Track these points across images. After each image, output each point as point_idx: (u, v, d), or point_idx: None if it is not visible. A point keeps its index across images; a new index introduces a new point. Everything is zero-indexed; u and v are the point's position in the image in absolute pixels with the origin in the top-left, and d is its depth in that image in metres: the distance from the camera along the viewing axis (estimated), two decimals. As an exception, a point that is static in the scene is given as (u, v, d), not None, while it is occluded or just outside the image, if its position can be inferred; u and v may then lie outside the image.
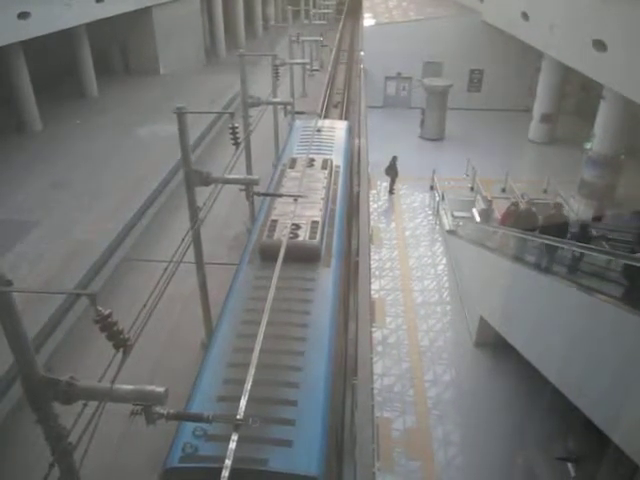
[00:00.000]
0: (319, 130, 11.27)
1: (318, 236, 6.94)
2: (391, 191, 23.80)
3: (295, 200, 7.02)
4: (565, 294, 10.45)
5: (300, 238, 6.87)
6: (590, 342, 9.65)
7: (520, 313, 13.02)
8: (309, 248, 6.81)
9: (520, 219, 15.01)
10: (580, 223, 13.24)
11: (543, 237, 12.18)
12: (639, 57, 15.14)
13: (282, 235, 6.46)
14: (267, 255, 6.59)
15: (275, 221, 7.21)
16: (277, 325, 5.23)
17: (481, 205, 20.75)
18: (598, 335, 9.46)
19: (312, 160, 9.22)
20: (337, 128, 12.13)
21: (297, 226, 7.02)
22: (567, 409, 9.98)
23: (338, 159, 10.03)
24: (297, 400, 4.79)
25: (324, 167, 9.08)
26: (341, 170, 9.69)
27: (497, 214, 19.08)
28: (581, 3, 18.87)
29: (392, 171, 23.50)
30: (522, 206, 17.47)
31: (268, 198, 8.22)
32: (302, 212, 7.35)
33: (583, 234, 12.61)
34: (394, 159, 23.51)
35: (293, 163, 9.25)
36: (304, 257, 6.70)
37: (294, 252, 6.17)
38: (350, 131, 12.91)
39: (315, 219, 7.30)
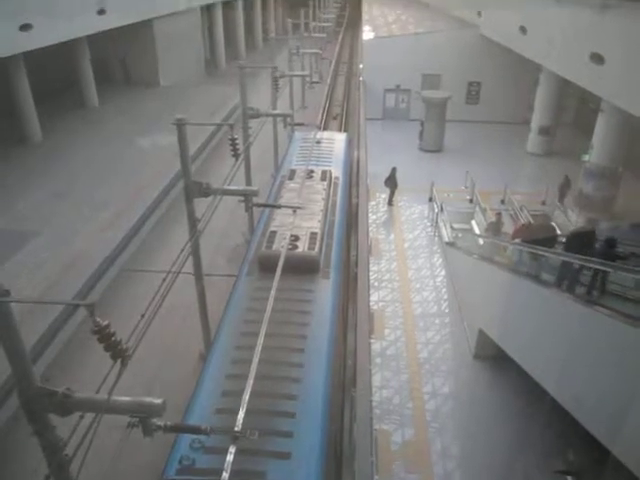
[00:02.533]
0: (318, 142, 11.29)
1: (317, 247, 6.94)
2: (390, 202, 23.83)
3: (294, 211, 7.02)
4: (563, 306, 10.44)
5: (299, 249, 6.86)
6: (589, 354, 9.63)
7: (519, 325, 12.99)
8: (308, 259, 6.80)
9: (534, 232, 14.41)
10: (605, 238, 11.39)
11: (567, 254, 11.41)
12: (636, 70, 15.24)
13: (281, 246, 6.46)
14: (266, 266, 6.59)
15: (274, 232, 7.21)
16: (276, 337, 5.22)
17: (481, 217, 20.75)
18: (597, 347, 9.45)
19: (311, 171, 9.24)
20: (336, 140, 12.16)
21: (296, 237, 7.02)
22: (567, 421, 9.94)
23: (337, 171, 10.05)
24: (295, 412, 4.76)
25: (323, 178, 9.10)
26: (340, 181, 9.70)
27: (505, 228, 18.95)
28: (579, 17, 19.02)
29: (391, 182, 23.54)
30: (534, 219, 17.24)
31: (267, 209, 8.24)
32: (301, 223, 7.35)
33: (609, 251, 11.01)
34: (394, 170, 23.57)
35: (292, 174, 9.27)
36: (303, 268, 6.69)
37: (293, 263, 6.17)
38: (349, 143, 12.95)
39: (314, 230, 7.31)
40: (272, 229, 7.31)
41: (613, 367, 8.92)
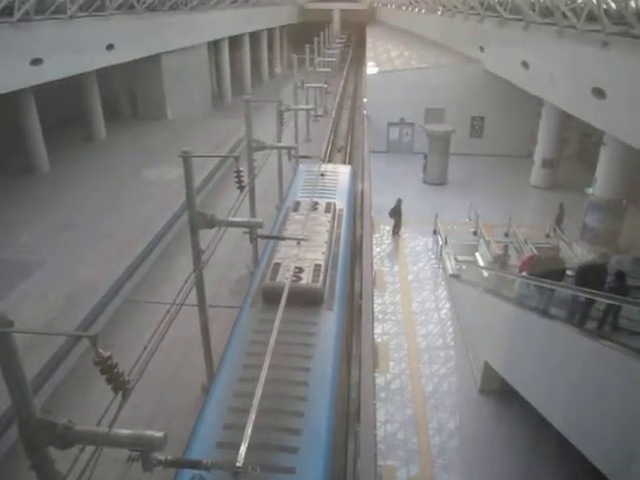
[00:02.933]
0: (323, 174, 11.39)
1: (321, 279, 6.92)
2: (396, 233, 23.84)
3: (298, 243, 7.04)
4: (569, 339, 10.33)
5: (303, 281, 6.85)
6: (596, 389, 9.48)
7: (524, 358, 12.83)
8: (312, 291, 6.78)
9: (543, 264, 14.08)
10: (615, 272, 11.26)
11: (578, 288, 11.06)
12: (637, 104, 15.38)
13: (285, 278, 6.45)
14: (270, 298, 6.57)
15: (278, 264, 7.21)
16: (279, 369, 5.17)
17: (485, 249, 20.71)
18: (605, 382, 9.31)
19: (316, 204, 9.29)
20: (341, 172, 12.25)
21: (300, 269, 7.01)
22: (573, 456, 9.74)
23: (341, 203, 10.10)
24: (298, 447, 4.69)
25: (327, 211, 9.14)
26: (344, 214, 9.74)
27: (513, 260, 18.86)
28: (580, 52, 19.31)
29: (396, 214, 23.61)
30: (541, 252, 17.07)
31: (271, 241, 8.26)
32: (305, 255, 7.35)
33: (620, 284, 10.84)
34: (399, 202, 23.66)
35: (297, 206, 9.32)
36: (307, 300, 6.67)
37: (297, 295, 6.14)
38: (353, 175, 13.04)
39: (318, 262, 7.30)
40: (276, 261, 7.31)
41: (621, 402, 8.79)
